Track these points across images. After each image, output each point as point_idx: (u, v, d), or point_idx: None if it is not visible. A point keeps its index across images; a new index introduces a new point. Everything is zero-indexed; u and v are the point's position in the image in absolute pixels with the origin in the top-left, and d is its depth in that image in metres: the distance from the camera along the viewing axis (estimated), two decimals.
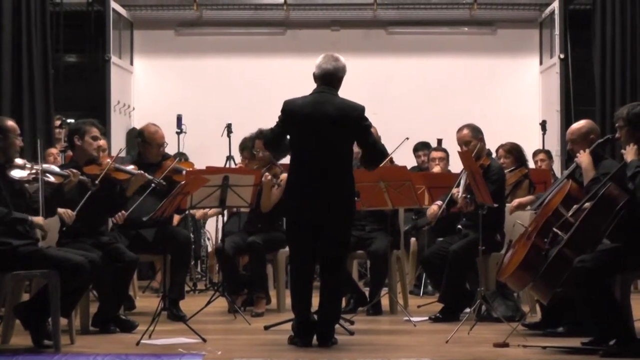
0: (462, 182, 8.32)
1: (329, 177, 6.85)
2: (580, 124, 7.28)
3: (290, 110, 6.94)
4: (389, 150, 9.01)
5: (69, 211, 7.23)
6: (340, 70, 6.99)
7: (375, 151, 7.06)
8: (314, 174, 6.85)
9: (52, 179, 6.97)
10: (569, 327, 7.20)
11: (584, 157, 6.89)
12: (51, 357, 6.34)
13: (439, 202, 8.61)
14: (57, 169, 7.22)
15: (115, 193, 7.80)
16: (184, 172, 8.36)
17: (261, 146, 8.71)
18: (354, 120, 6.89)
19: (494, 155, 9.61)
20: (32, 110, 11.30)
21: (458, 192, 8.34)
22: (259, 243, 8.63)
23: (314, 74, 7.02)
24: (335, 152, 6.89)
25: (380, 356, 6.50)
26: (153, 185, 7.93)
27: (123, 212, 8.01)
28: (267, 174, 8.62)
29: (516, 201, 8.10)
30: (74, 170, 7.25)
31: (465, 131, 8.47)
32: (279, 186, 8.59)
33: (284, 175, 8.56)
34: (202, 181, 7.82)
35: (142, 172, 7.92)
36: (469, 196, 8.17)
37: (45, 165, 7.11)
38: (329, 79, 6.97)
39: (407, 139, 9.22)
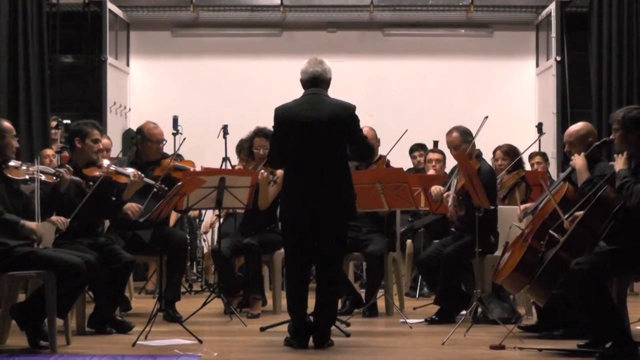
0: (453, 185, 8.31)
1: (326, 177, 6.86)
2: (578, 126, 7.26)
3: (284, 116, 6.96)
4: (388, 148, 9.08)
5: (61, 218, 7.20)
6: (328, 72, 7.03)
7: (364, 145, 7.10)
8: (311, 175, 6.86)
9: (44, 178, 6.99)
10: (565, 330, 7.21)
11: (578, 160, 6.89)
12: (47, 358, 6.34)
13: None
14: (49, 169, 7.23)
15: (112, 195, 7.79)
16: (188, 169, 8.41)
17: (262, 144, 8.72)
18: (347, 120, 6.91)
19: (489, 156, 9.61)
20: (28, 111, 11.29)
21: (448, 195, 8.34)
22: (254, 244, 8.62)
23: (301, 80, 7.05)
24: (331, 152, 6.90)
25: (376, 358, 6.51)
26: (155, 190, 7.89)
27: (139, 206, 7.95)
28: (262, 171, 8.61)
29: (523, 207, 8.07)
30: (63, 169, 7.22)
31: (455, 134, 8.47)
32: (275, 182, 8.60)
33: (280, 172, 8.59)
34: (198, 182, 7.82)
35: (142, 175, 7.89)
36: (460, 199, 8.19)
37: (40, 166, 7.12)
38: (318, 81, 6.99)
39: (407, 130, 9.21)
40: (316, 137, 6.87)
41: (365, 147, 7.14)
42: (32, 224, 6.70)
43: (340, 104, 6.98)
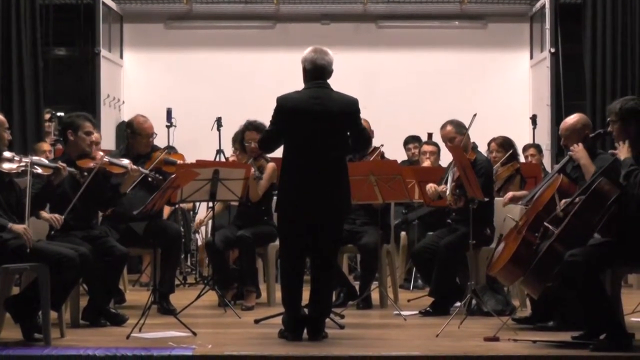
0: (450, 178, 8.30)
1: (327, 172, 6.85)
2: (574, 119, 7.18)
3: (287, 107, 6.88)
4: (381, 140, 9.07)
5: (56, 216, 7.18)
6: (331, 64, 7.00)
7: (363, 137, 7.15)
8: (312, 169, 6.84)
9: (40, 171, 6.97)
10: (559, 322, 7.22)
11: (581, 153, 6.84)
12: (41, 351, 6.33)
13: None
14: (45, 161, 7.21)
15: (107, 187, 7.78)
16: (177, 162, 8.38)
17: (252, 137, 8.70)
18: (351, 113, 6.92)
19: (484, 149, 9.61)
20: (22, 103, 11.27)
21: (445, 189, 8.31)
22: (248, 237, 8.61)
23: (305, 68, 6.97)
24: (333, 147, 6.88)
25: (370, 350, 6.49)
26: (150, 179, 7.88)
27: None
28: (251, 167, 8.60)
29: (510, 194, 8.11)
30: (63, 164, 7.22)
31: (449, 127, 8.48)
32: (262, 179, 8.62)
33: (270, 165, 8.58)
34: (192, 175, 7.81)
35: (137, 167, 7.89)
36: (457, 191, 8.17)
37: (34, 158, 7.11)
38: (322, 73, 6.95)
39: (382, 145, 9.15)
40: (321, 130, 6.84)
41: (364, 138, 7.19)
42: (19, 228, 6.61)
43: (345, 97, 6.96)
